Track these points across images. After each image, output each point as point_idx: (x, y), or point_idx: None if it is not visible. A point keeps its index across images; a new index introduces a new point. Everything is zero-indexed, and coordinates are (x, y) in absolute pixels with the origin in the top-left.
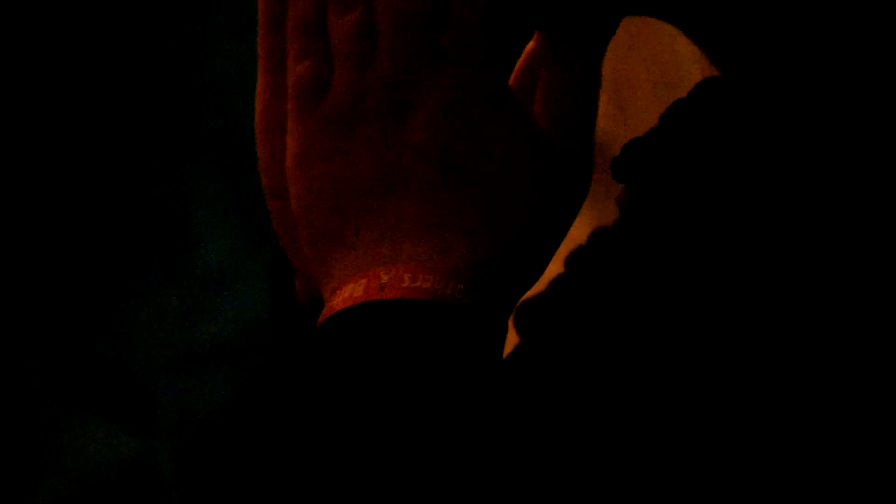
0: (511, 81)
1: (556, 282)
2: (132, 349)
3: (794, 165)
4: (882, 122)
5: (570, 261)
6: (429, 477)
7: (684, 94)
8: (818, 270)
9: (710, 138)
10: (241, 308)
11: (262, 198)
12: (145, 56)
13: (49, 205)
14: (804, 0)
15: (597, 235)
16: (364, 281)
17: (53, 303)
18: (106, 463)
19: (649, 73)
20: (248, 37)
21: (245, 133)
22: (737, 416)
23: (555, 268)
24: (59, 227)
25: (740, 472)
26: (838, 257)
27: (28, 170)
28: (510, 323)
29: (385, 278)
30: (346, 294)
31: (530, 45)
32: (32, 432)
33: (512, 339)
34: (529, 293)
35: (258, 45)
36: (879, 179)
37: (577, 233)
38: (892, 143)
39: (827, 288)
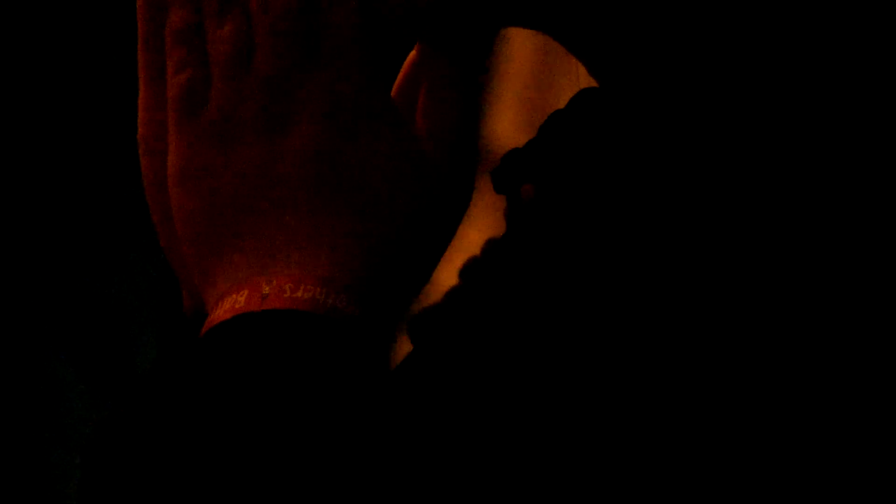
0: (393, 92)
1: (450, 293)
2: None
3: (665, 170)
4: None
5: (463, 272)
6: (307, 489)
7: (562, 106)
8: (698, 271)
9: (586, 147)
10: None
11: None
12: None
13: (75, 220)
14: (676, 8)
15: (488, 246)
16: (246, 291)
17: (79, 316)
18: None
19: (529, 83)
20: None
21: None
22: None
23: (449, 279)
24: (83, 241)
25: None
26: (714, 257)
27: (51, 189)
28: (405, 333)
29: (266, 289)
30: (228, 305)
31: (411, 55)
32: (64, 443)
33: (405, 349)
34: (424, 304)
35: (138, 57)
36: (744, 176)
37: (471, 244)
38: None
39: (702, 288)
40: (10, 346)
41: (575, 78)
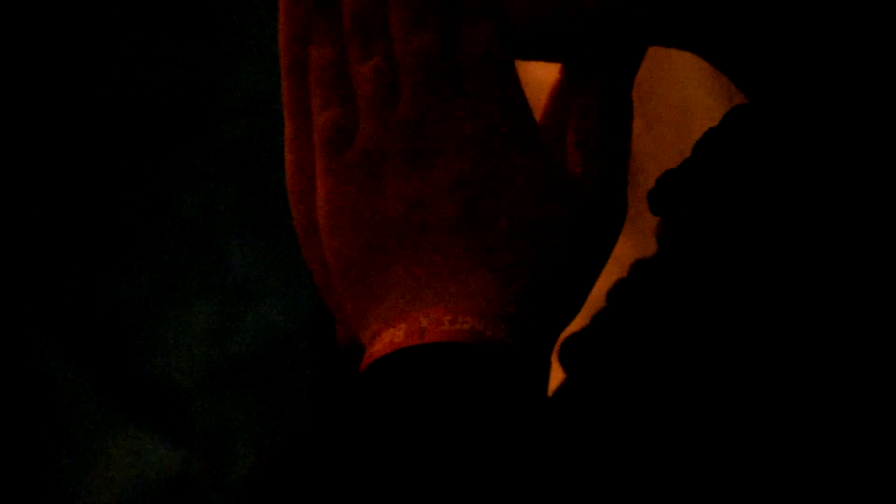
0: (539, 118)
1: (598, 317)
2: (163, 363)
3: (826, 193)
4: None
5: (611, 295)
6: None
7: (714, 123)
8: (864, 303)
9: (744, 167)
10: (269, 318)
11: (285, 212)
12: (170, 72)
13: (79, 224)
14: (820, 25)
15: (637, 269)
16: (403, 325)
17: (84, 317)
18: (143, 476)
19: (679, 102)
20: (271, 54)
21: (267, 147)
22: (782, 453)
23: (597, 302)
24: (88, 245)
25: None
26: (881, 286)
27: (58, 193)
28: (554, 359)
29: (424, 322)
30: (387, 340)
31: (555, 80)
32: (71, 445)
33: (558, 376)
34: (573, 328)
35: (282, 94)
36: None
37: (618, 266)
38: None
39: (868, 324)
40: (15, 347)
41: (725, 96)
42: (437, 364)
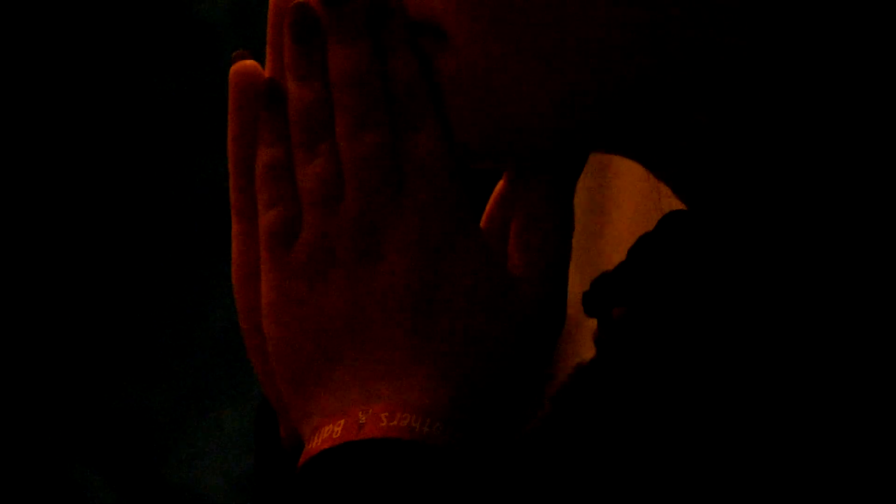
0: (482, 222)
1: (542, 419)
2: (193, 471)
3: (760, 297)
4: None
5: (554, 398)
6: None
7: (650, 228)
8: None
9: (677, 272)
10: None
11: None
12: (206, 184)
13: (109, 330)
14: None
15: (577, 371)
16: (342, 421)
17: (114, 425)
18: None
19: (619, 208)
20: None
21: None
22: None
23: (542, 405)
24: (117, 352)
25: None
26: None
27: (88, 297)
28: (505, 461)
29: (363, 418)
30: (325, 435)
31: (499, 184)
32: None
33: (505, 476)
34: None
35: (230, 195)
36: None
37: (560, 369)
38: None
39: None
40: (43, 457)
41: (658, 201)
42: (372, 460)
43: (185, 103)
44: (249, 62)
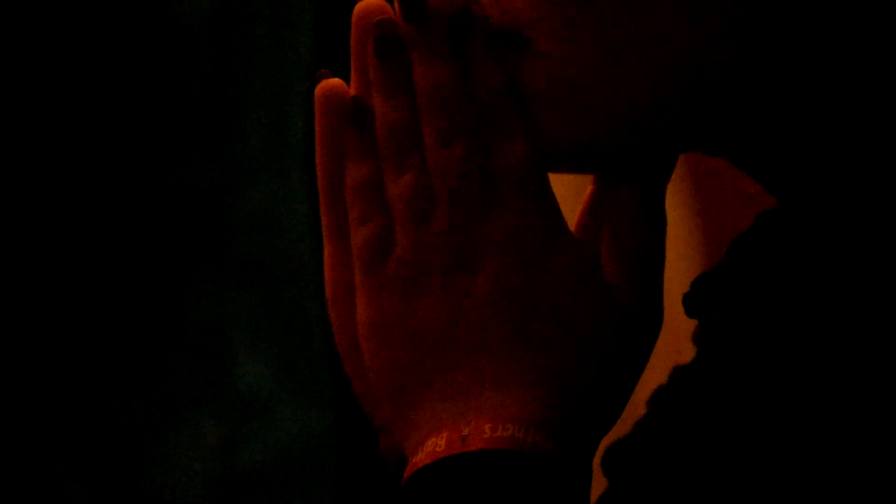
0: (574, 228)
1: (640, 423)
2: (172, 479)
3: (860, 292)
4: None
5: (652, 401)
6: None
7: (744, 228)
8: None
9: (776, 270)
10: (278, 435)
11: (295, 325)
12: (182, 187)
13: (88, 337)
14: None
15: (676, 374)
16: (445, 434)
17: (91, 432)
18: None
19: (708, 207)
20: (285, 169)
21: (277, 262)
22: None
23: (638, 408)
24: (96, 359)
25: None
26: None
27: (66, 304)
28: (596, 466)
29: (466, 430)
30: (429, 448)
31: (589, 190)
32: None
33: (600, 483)
34: (614, 436)
35: (321, 214)
36: None
37: (656, 372)
38: None
39: None
40: (20, 464)
41: (749, 200)
42: (479, 472)
43: (163, 104)
44: (335, 80)
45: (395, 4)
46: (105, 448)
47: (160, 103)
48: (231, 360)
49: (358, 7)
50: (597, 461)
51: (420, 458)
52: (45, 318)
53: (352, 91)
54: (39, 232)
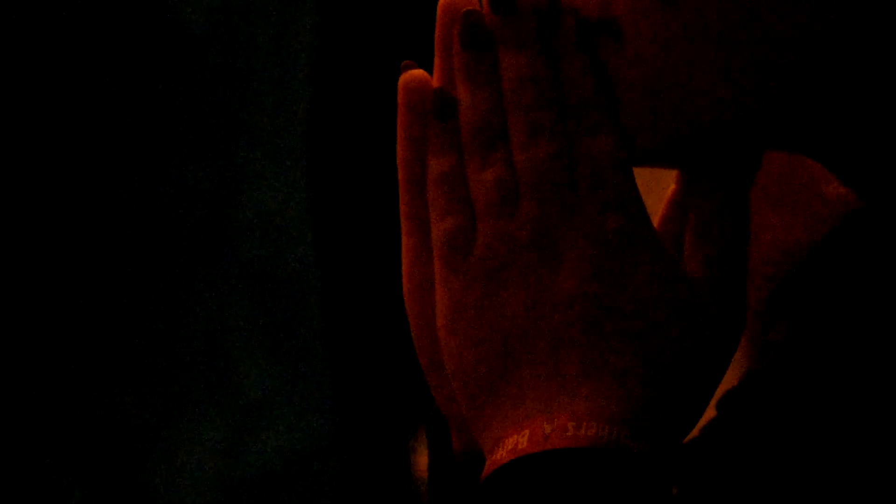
0: (657, 223)
1: (708, 426)
2: (174, 482)
3: None
4: None
5: (720, 404)
6: None
7: (828, 228)
8: None
9: (865, 271)
10: (281, 439)
11: (298, 329)
12: (183, 191)
13: (91, 340)
14: None
15: (750, 378)
16: (527, 432)
17: (94, 435)
18: None
19: (794, 206)
20: (283, 173)
21: (279, 266)
22: None
23: (708, 411)
24: (99, 362)
25: None
26: None
27: (69, 310)
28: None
29: (548, 428)
30: (510, 446)
31: (672, 188)
32: None
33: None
34: (686, 438)
35: (400, 207)
36: None
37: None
38: None
39: None
40: (22, 467)
41: (836, 200)
42: (563, 471)
43: (163, 106)
44: (418, 71)
45: None
46: (108, 452)
47: (161, 107)
48: (233, 365)
49: (443, 1)
50: None
51: (500, 455)
52: (49, 321)
53: (435, 83)
54: (41, 236)
